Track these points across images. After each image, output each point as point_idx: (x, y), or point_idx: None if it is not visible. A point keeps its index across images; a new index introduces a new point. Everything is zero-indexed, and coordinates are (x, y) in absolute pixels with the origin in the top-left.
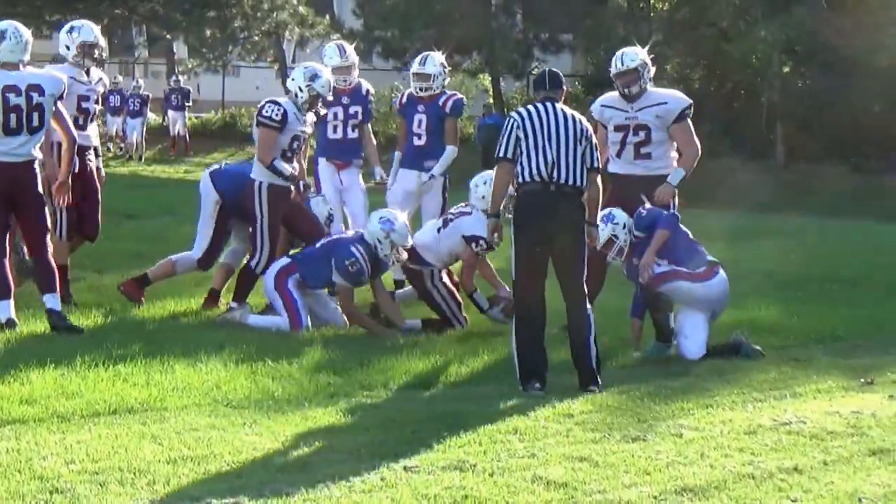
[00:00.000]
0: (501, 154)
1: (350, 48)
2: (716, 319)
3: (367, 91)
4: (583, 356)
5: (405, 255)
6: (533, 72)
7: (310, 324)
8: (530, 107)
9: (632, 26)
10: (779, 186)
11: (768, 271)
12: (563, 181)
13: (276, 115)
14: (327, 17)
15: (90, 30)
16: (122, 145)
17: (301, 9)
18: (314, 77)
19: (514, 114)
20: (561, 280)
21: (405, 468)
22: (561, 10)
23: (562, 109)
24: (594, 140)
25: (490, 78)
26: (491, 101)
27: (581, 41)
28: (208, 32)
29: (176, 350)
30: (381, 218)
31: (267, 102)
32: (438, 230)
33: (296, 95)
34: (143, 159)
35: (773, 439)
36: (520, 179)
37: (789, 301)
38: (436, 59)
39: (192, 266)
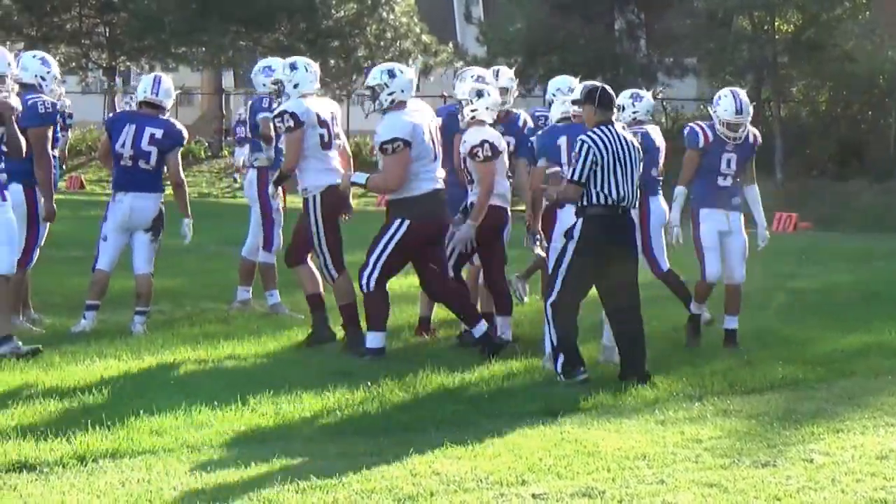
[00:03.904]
0: (576, 178)
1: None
2: None
3: (525, 122)
4: (640, 361)
5: None
6: (658, 94)
7: None
8: (601, 132)
9: (756, 48)
10: None
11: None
12: (626, 205)
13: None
14: (450, 44)
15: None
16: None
17: (424, 37)
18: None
19: (588, 140)
20: (614, 291)
21: (533, 496)
22: (685, 34)
23: (622, 134)
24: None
25: None
26: None
27: (705, 64)
28: (332, 62)
29: (303, 379)
30: None
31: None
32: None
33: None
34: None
35: None
36: (588, 201)
37: None
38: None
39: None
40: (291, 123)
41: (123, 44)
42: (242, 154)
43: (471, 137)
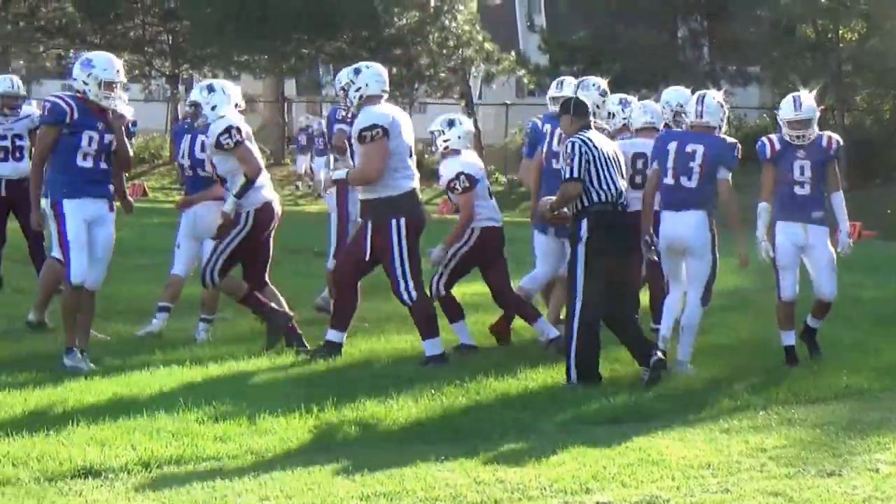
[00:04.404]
0: (575, 175)
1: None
2: None
3: None
4: (645, 344)
5: None
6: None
7: None
8: (584, 134)
9: (820, 57)
10: None
11: None
12: (625, 203)
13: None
14: (513, 52)
15: None
16: (311, 183)
17: (487, 45)
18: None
19: (577, 139)
20: (622, 288)
21: None
22: (748, 42)
23: (602, 137)
24: None
25: None
26: None
27: (768, 73)
28: (394, 70)
29: (366, 386)
30: None
31: None
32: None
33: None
34: None
35: None
36: (590, 200)
37: None
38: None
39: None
40: (239, 137)
41: (186, 52)
42: (304, 162)
43: (446, 171)
